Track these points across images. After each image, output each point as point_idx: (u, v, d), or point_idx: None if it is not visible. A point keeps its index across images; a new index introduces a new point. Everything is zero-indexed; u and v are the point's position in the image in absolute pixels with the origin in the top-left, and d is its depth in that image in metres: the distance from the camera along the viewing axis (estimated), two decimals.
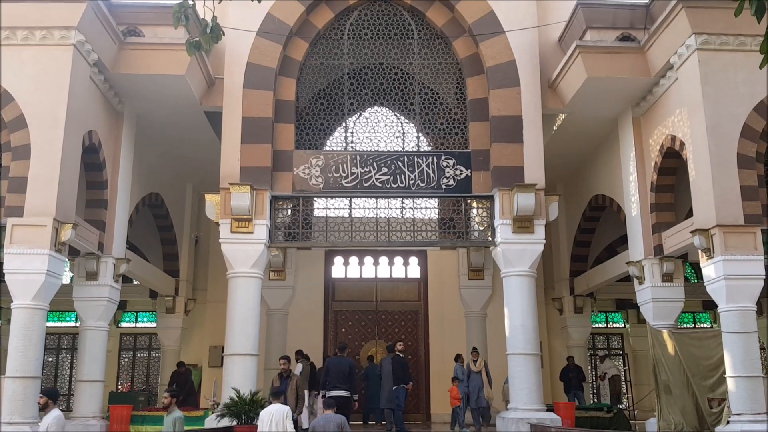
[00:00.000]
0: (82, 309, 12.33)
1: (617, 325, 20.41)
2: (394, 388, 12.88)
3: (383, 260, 18.01)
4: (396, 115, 13.97)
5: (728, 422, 9.97)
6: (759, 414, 9.71)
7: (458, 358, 14.35)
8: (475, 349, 14.09)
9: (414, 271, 18.02)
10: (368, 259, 18.02)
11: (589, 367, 17.70)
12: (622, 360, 20.02)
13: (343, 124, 13.54)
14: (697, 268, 18.57)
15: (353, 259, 18.01)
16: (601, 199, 15.11)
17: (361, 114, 13.80)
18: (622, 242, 15.33)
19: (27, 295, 9.98)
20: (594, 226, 16.71)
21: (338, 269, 17.97)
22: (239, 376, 11.59)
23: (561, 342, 17.97)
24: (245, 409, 10.19)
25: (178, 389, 7.92)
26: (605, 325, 20.46)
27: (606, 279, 15.40)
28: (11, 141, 10.34)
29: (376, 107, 13.81)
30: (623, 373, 19.44)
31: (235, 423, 10.11)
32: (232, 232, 12.23)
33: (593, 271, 16.33)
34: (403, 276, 18.04)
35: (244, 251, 12.21)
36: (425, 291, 17.73)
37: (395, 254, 17.99)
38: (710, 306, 18.30)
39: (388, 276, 18.01)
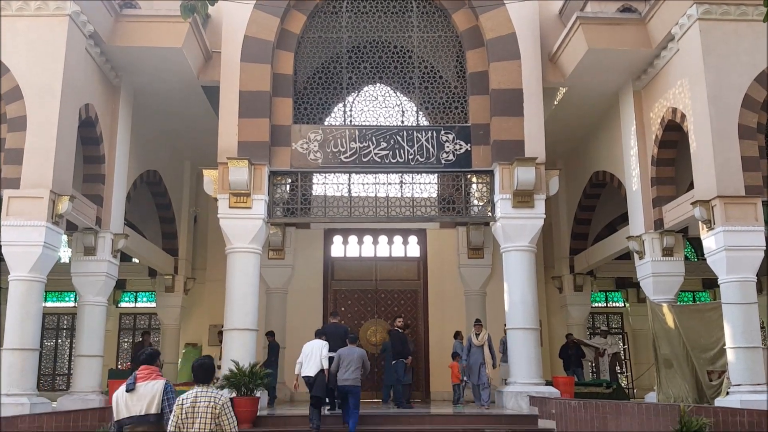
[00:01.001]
0: (80, 284, 12.26)
1: (617, 305, 20.39)
2: (393, 362, 12.88)
3: (382, 239, 17.94)
4: (395, 90, 13.85)
5: (728, 393, 9.96)
6: (758, 384, 9.70)
7: (457, 335, 14.30)
8: (478, 321, 13.38)
9: (413, 250, 17.95)
10: (367, 238, 17.93)
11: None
12: (621, 339, 20.02)
13: (342, 99, 13.42)
14: (697, 247, 18.54)
15: (352, 239, 17.93)
16: (602, 176, 15.02)
17: (360, 88, 13.67)
18: (622, 220, 15.26)
19: (24, 267, 9.96)
20: (594, 204, 16.63)
21: (337, 248, 17.90)
22: (239, 351, 11.58)
23: (561, 320, 17.96)
24: (244, 381, 10.20)
25: None
26: (605, 304, 20.44)
27: (606, 255, 15.31)
28: (7, 112, 10.28)
29: (375, 81, 13.66)
30: (623, 352, 19.45)
31: (234, 394, 10.10)
32: (230, 207, 12.17)
33: (593, 249, 16.27)
34: (403, 255, 17.97)
35: (243, 226, 12.16)
36: (425, 270, 17.66)
37: (394, 233, 17.92)
38: (710, 285, 18.26)
39: (388, 255, 17.94)
